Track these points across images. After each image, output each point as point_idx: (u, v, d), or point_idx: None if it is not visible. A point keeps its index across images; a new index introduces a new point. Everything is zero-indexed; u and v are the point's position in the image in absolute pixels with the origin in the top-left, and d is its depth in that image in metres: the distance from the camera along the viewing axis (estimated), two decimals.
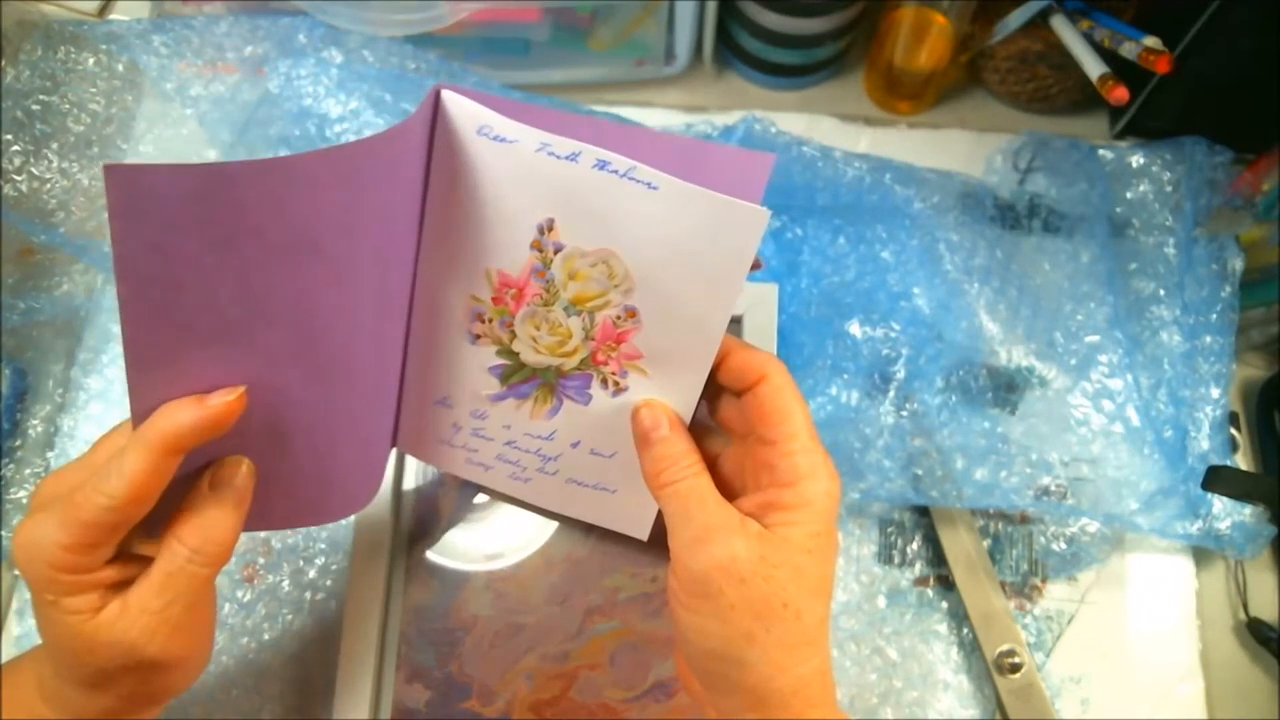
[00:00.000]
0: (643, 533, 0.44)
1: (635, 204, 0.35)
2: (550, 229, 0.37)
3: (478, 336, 0.42)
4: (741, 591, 0.33)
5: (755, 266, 0.36)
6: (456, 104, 0.36)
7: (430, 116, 0.36)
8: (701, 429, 0.39)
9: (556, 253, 0.38)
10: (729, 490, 0.37)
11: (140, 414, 0.34)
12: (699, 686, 0.37)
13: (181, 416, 0.33)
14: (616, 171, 0.35)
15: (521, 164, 0.36)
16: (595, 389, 0.41)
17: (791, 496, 0.35)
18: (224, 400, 0.34)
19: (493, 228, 0.38)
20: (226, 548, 0.36)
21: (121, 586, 0.35)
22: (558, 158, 0.35)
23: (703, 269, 0.35)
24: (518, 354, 0.41)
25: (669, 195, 0.34)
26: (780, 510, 0.35)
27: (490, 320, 0.41)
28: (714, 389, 0.38)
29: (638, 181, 0.35)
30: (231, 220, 0.31)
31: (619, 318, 0.38)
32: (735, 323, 0.53)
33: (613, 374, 0.40)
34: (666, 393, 0.39)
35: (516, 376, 0.42)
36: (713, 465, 0.38)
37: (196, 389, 0.34)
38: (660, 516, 0.43)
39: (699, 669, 0.36)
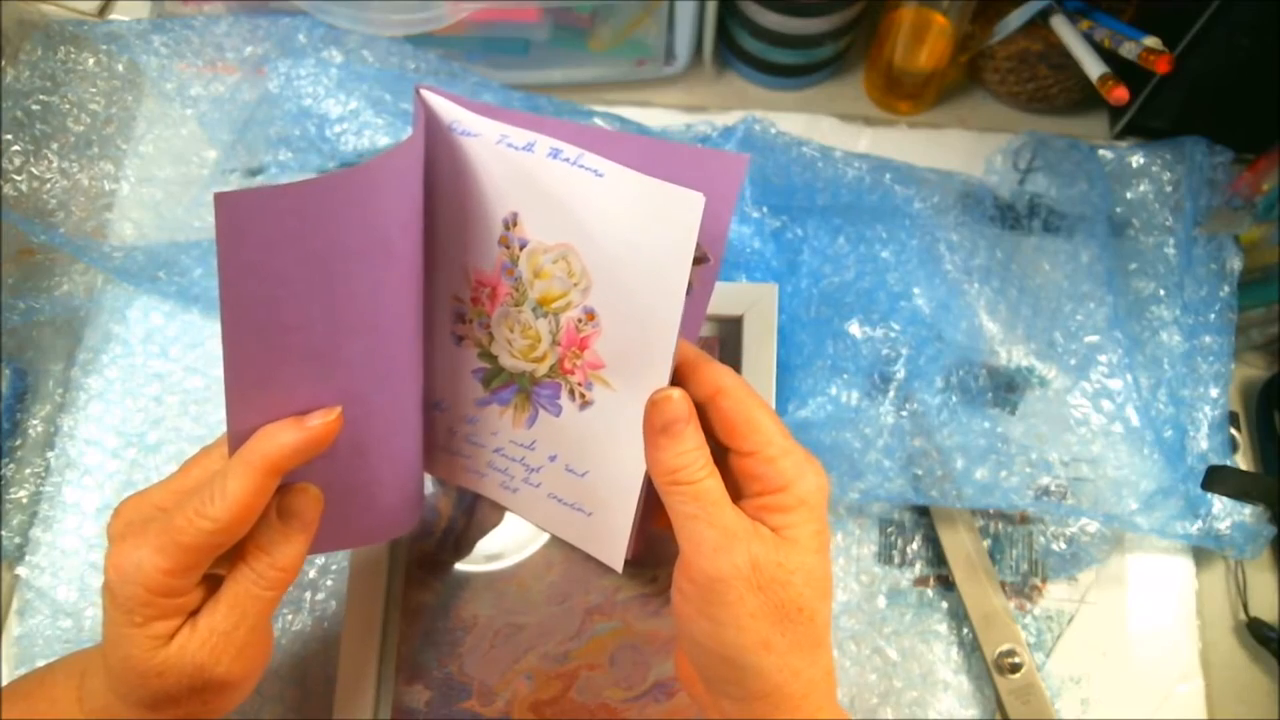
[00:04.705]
0: (617, 563, 0.42)
1: (585, 194, 0.34)
2: (515, 223, 0.37)
3: (461, 338, 0.42)
4: (761, 599, 0.33)
5: (701, 260, 0.34)
6: (434, 102, 0.36)
7: (423, 115, 0.36)
8: None
9: (522, 249, 0.37)
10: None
11: (238, 436, 0.35)
12: (702, 689, 0.37)
13: (283, 438, 0.34)
14: (568, 160, 0.34)
15: (485, 157, 0.36)
16: (564, 400, 0.40)
17: (787, 499, 0.35)
18: (323, 421, 0.35)
19: (467, 224, 0.38)
20: (292, 572, 0.37)
21: (188, 613, 0.36)
22: (515, 148, 0.35)
23: (649, 262, 0.34)
24: (496, 357, 0.41)
25: (612, 182, 0.33)
26: (780, 513, 0.35)
27: (470, 321, 0.41)
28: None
29: (585, 169, 0.34)
30: (322, 232, 0.32)
31: (580, 320, 0.37)
32: (735, 323, 0.53)
33: (579, 384, 0.39)
34: (632, 406, 0.37)
35: (497, 381, 0.42)
36: None
37: (290, 409, 0.35)
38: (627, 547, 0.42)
39: (707, 674, 0.36)
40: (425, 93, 0.36)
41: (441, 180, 0.37)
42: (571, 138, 0.34)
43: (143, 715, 0.36)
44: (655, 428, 0.35)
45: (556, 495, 0.43)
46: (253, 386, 0.34)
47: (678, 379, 0.36)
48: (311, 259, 0.32)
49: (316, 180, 0.31)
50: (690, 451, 0.35)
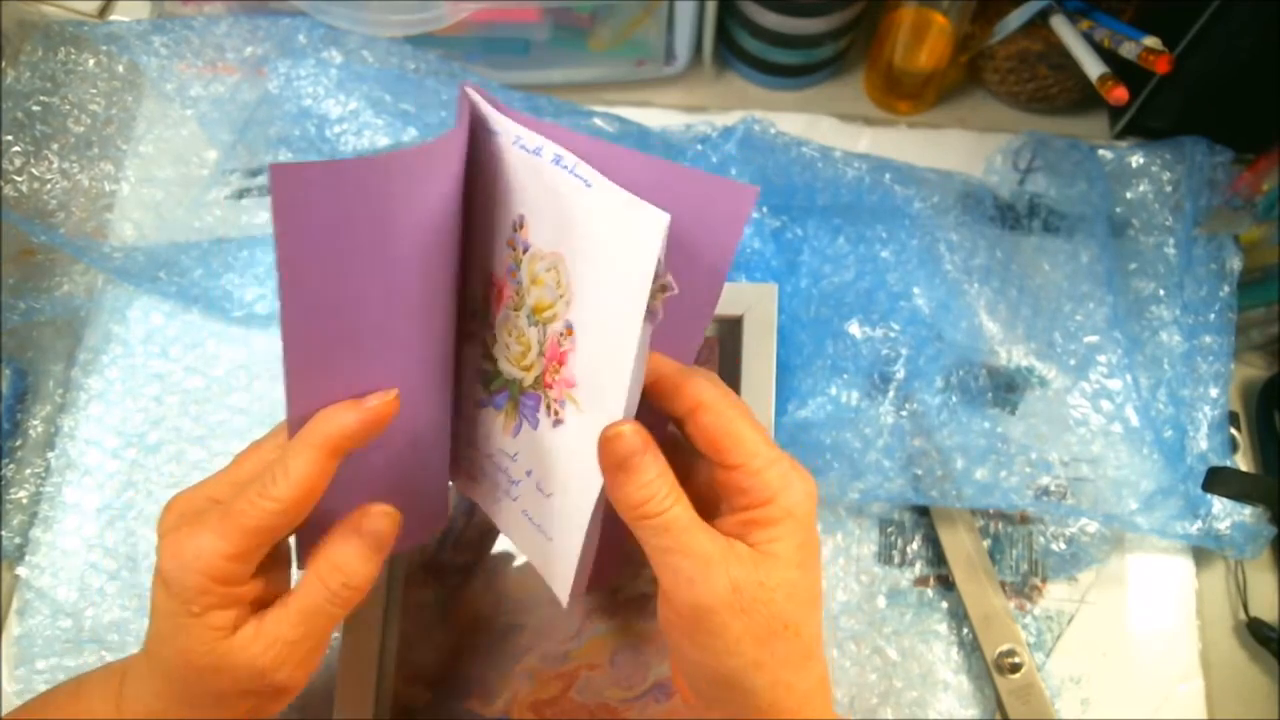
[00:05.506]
0: (562, 595, 0.40)
1: (575, 203, 0.34)
2: (521, 226, 0.37)
3: (470, 334, 0.42)
4: (745, 622, 0.33)
5: (665, 289, 0.32)
6: (474, 98, 0.36)
7: (467, 109, 0.36)
8: (673, 444, 0.37)
9: (525, 253, 0.37)
10: (705, 509, 0.36)
11: (297, 420, 0.35)
12: (699, 701, 0.37)
13: (344, 419, 0.34)
14: (566, 167, 0.34)
15: (503, 157, 0.36)
16: (542, 414, 0.39)
17: (773, 512, 0.34)
18: (381, 401, 0.35)
19: (485, 222, 0.38)
20: (364, 592, 0.36)
21: (258, 604, 0.35)
22: (526, 150, 0.35)
23: (616, 281, 0.33)
24: (496, 360, 0.41)
25: (597, 194, 0.32)
26: (763, 527, 0.34)
27: (480, 319, 0.41)
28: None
29: (579, 177, 0.33)
30: (381, 212, 0.32)
31: (562, 334, 0.36)
32: (735, 323, 0.53)
33: (555, 400, 0.38)
34: (593, 431, 0.35)
35: (495, 384, 0.41)
36: (685, 482, 0.37)
37: (345, 394, 0.35)
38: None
39: (701, 693, 0.36)
40: (469, 90, 0.35)
41: (471, 175, 0.37)
42: (583, 148, 0.34)
43: (190, 716, 0.36)
44: (611, 465, 0.34)
45: (528, 513, 0.42)
46: (311, 372, 0.34)
47: (655, 394, 0.35)
48: (370, 240, 0.32)
49: (373, 159, 0.31)
50: (651, 483, 0.33)
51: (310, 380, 0.34)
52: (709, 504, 0.36)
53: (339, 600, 0.36)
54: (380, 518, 0.37)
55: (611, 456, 0.34)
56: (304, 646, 0.35)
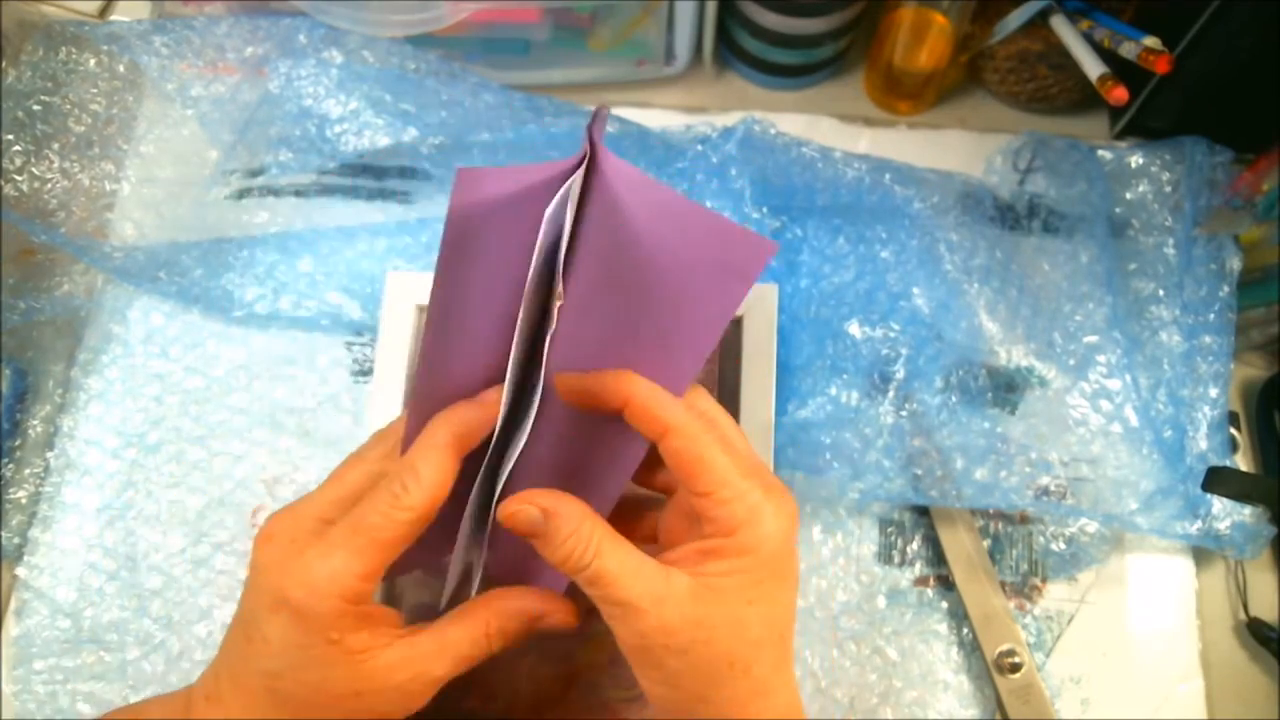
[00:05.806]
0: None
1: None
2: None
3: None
4: (684, 660, 0.32)
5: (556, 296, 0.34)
6: (601, 118, 0.36)
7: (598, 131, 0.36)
8: (655, 465, 0.37)
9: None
10: (676, 535, 0.36)
11: (415, 427, 0.35)
12: None
13: (465, 415, 0.34)
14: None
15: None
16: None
17: (732, 544, 0.33)
18: (496, 395, 0.35)
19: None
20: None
21: (376, 620, 0.35)
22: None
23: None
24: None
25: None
26: (720, 559, 0.33)
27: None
28: None
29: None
30: (527, 222, 0.32)
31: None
32: (735, 323, 0.52)
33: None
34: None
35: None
36: (674, 496, 0.37)
37: (455, 399, 0.35)
38: None
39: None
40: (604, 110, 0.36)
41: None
42: (615, 163, 0.33)
43: None
44: (525, 536, 0.34)
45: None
46: (435, 377, 0.34)
47: (628, 417, 0.34)
48: (515, 246, 0.32)
49: (539, 166, 0.31)
50: (566, 542, 0.33)
51: (431, 387, 0.34)
52: (679, 534, 0.36)
53: (486, 656, 0.36)
54: (554, 619, 0.38)
55: (520, 530, 0.34)
56: (444, 681, 0.36)
